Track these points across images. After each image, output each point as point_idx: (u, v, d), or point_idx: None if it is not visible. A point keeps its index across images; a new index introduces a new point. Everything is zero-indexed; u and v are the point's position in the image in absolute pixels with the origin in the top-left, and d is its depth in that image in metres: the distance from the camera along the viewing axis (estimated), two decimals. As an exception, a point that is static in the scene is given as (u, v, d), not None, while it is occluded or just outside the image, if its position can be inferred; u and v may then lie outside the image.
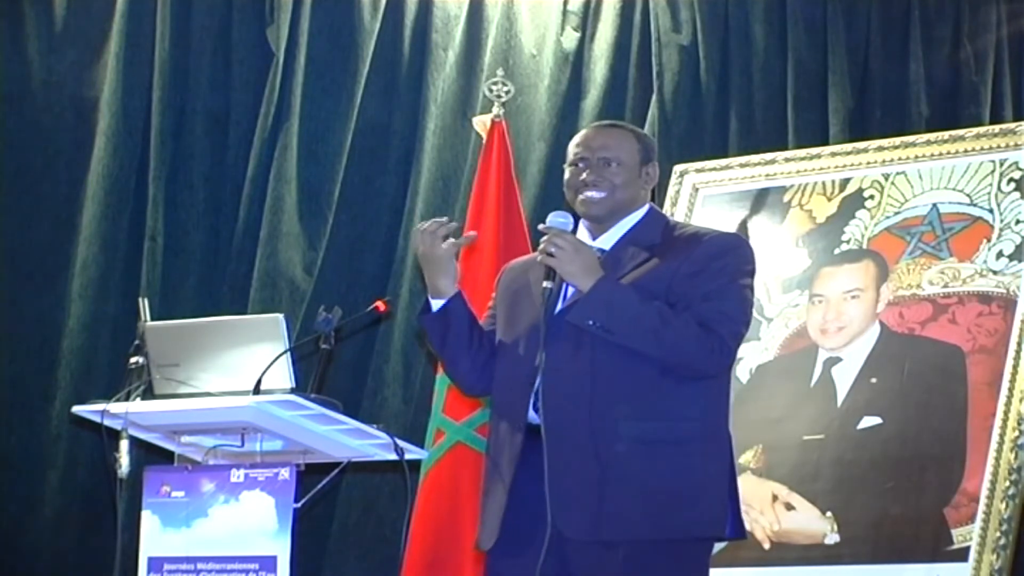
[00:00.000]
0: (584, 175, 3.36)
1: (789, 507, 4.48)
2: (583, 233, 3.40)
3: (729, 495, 3.31)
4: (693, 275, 3.26)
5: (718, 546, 3.67)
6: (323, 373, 3.64)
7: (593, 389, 3.22)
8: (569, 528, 3.18)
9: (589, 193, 3.35)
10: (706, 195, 5.05)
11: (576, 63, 5.68)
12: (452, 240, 3.34)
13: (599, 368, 3.22)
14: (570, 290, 3.29)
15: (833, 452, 4.50)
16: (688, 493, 3.21)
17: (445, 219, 3.38)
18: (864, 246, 4.74)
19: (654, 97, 5.63)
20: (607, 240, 3.38)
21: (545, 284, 3.24)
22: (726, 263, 3.29)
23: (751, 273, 3.35)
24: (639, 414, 3.21)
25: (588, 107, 5.64)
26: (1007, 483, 4.22)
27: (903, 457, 4.40)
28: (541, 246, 3.25)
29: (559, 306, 3.30)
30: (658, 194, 4.65)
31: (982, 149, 4.70)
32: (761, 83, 5.69)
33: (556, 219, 3.29)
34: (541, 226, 3.28)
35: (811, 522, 4.42)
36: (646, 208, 3.42)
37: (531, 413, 3.27)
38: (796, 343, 4.71)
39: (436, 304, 3.38)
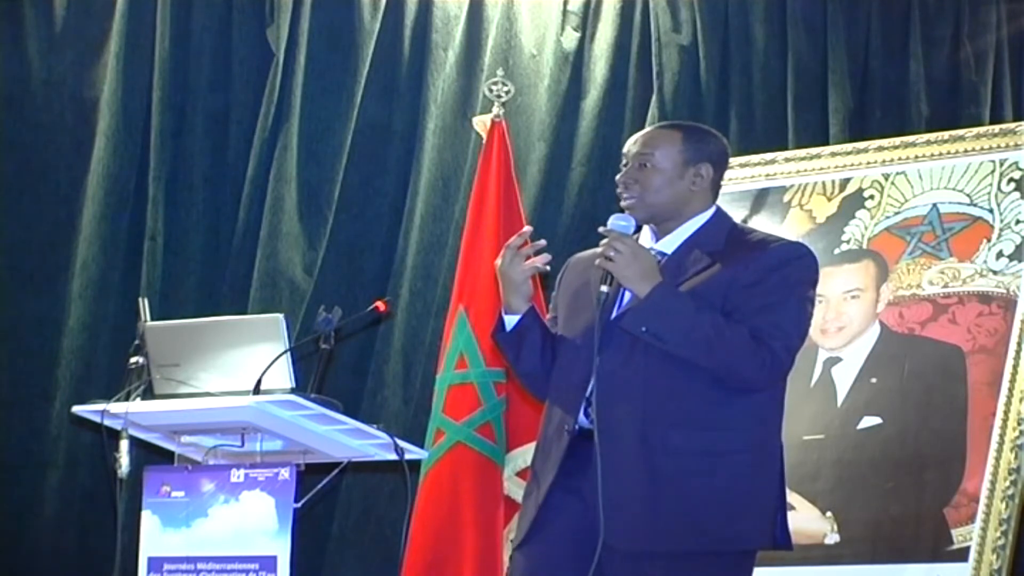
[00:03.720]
0: (619, 176, 3.33)
1: (789, 507, 4.46)
2: (646, 234, 3.34)
3: (777, 506, 3.28)
4: (751, 285, 3.19)
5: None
6: (323, 373, 3.64)
7: (644, 398, 3.17)
8: (615, 537, 3.13)
9: (623, 196, 3.30)
10: (706, 195, 5.05)
11: (576, 63, 5.67)
12: (531, 262, 3.27)
13: (651, 377, 3.17)
14: (627, 296, 3.22)
15: (833, 452, 4.50)
16: (735, 505, 3.18)
17: (529, 230, 3.34)
18: (864, 246, 4.74)
19: (654, 97, 5.62)
20: (670, 243, 3.31)
21: (602, 288, 3.19)
22: (786, 274, 3.21)
23: (812, 285, 3.27)
24: (689, 424, 3.16)
25: (588, 107, 5.63)
26: (1007, 483, 4.22)
27: (903, 457, 4.40)
28: (600, 249, 3.19)
29: (615, 311, 3.24)
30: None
31: (982, 149, 4.69)
32: (761, 83, 5.69)
33: (617, 222, 3.22)
34: (601, 229, 3.22)
35: (811, 522, 4.42)
36: (711, 211, 3.34)
37: (582, 417, 3.23)
38: (796, 343, 4.71)
39: (509, 321, 3.34)
